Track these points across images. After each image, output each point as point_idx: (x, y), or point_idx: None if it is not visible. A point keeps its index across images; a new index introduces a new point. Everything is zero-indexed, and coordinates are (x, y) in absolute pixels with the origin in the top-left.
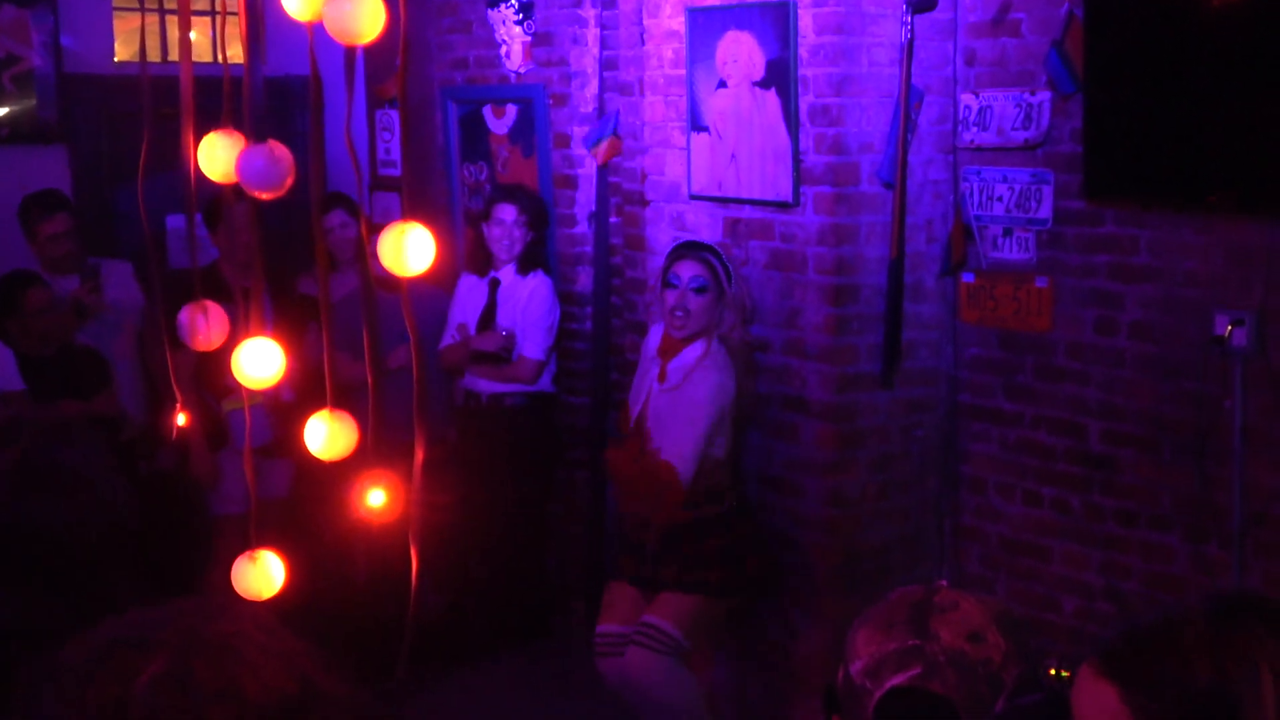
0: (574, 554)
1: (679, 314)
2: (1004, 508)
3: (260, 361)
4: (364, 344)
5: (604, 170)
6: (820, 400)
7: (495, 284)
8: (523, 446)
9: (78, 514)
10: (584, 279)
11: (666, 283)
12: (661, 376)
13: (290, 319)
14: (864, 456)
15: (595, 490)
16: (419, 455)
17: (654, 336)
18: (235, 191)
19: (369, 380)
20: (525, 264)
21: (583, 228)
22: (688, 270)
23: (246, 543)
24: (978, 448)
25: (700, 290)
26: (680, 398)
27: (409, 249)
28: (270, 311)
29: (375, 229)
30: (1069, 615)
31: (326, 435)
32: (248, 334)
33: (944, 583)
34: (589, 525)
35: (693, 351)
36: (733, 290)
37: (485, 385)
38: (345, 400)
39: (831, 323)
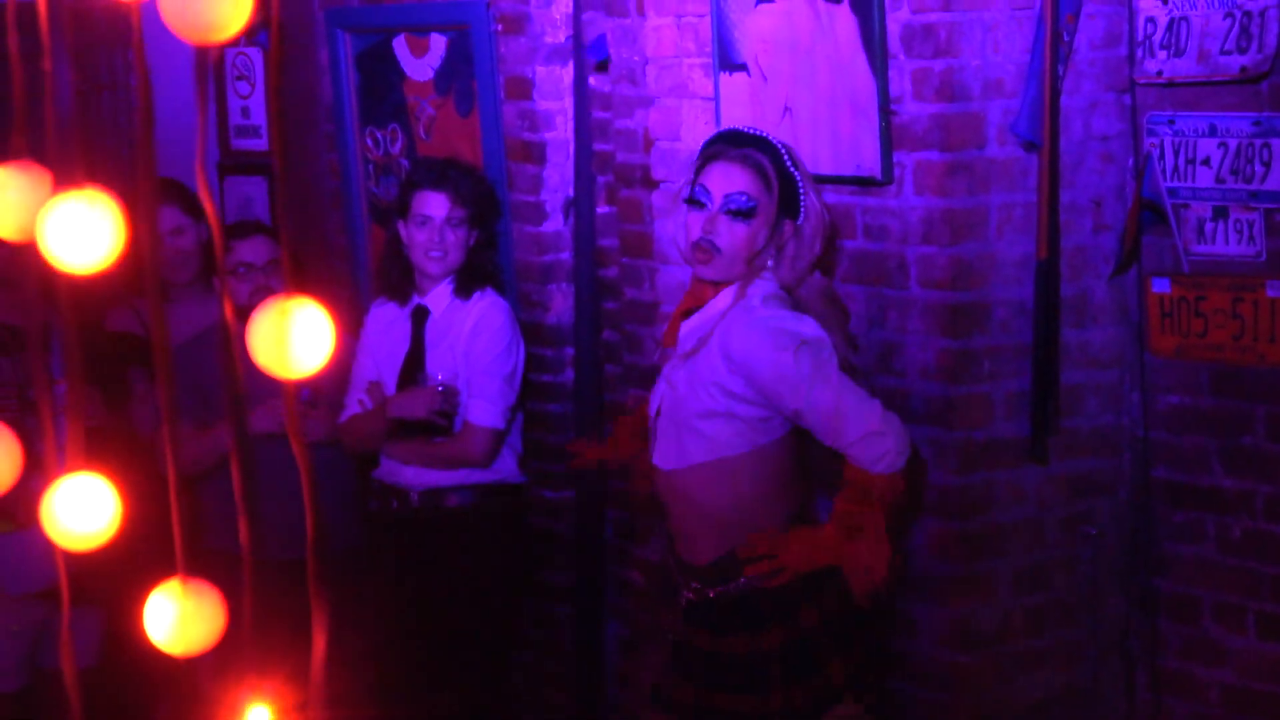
0: None
1: (703, 246)
2: (1229, 642)
3: (86, 508)
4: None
5: (585, 133)
6: (934, 484)
7: (422, 314)
8: (474, 569)
9: None
10: (559, 303)
11: (693, 199)
12: (669, 341)
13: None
14: (1004, 569)
15: (586, 633)
16: (318, 645)
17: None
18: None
19: (235, 485)
20: (467, 281)
21: (555, 223)
22: (721, 179)
23: None
24: (1185, 549)
25: (741, 214)
26: (700, 366)
27: (295, 340)
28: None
29: (235, 233)
30: None
31: (178, 618)
32: (61, 463)
33: None
34: (579, 685)
35: (720, 302)
36: (807, 208)
37: (414, 476)
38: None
39: (948, 363)
